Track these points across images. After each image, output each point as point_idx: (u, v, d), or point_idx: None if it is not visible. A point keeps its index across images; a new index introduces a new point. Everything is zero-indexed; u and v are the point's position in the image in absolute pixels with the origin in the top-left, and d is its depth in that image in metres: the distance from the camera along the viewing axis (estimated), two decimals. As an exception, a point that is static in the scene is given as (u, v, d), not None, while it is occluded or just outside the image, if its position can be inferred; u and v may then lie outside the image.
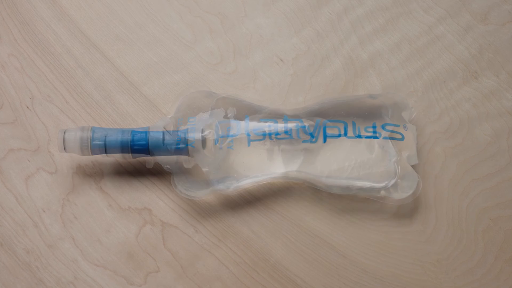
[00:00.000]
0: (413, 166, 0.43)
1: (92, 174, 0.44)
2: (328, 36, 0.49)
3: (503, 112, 0.47)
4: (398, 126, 0.44)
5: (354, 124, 0.44)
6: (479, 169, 0.45)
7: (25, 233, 0.42)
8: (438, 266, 0.42)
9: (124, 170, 0.44)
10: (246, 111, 0.44)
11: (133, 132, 0.42)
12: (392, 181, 0.42)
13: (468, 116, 0.46)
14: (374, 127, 0.44)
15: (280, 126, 0.43)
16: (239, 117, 0.44)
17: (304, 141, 0.43)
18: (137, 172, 0.44)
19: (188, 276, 0.42)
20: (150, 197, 0.44)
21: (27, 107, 0.46)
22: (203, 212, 0.43)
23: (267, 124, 0.43)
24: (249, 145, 0.43)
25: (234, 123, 0.43)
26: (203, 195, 0.43)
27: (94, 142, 0.41)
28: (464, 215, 0.43)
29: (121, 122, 0.46)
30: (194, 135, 0.42)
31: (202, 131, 0.42)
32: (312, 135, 0.43)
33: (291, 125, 0.43)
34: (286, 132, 0.43)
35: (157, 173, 0.44)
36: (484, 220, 0.43)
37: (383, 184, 0.42)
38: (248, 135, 0.43)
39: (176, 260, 0.42)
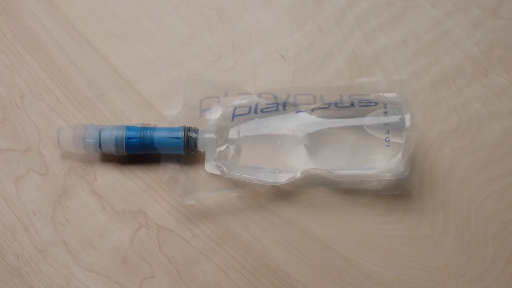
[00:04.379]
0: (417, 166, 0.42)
1: (84, 175, 0.44)
2: (331, 32, 0.49)
3: (514, 111, 0.47)
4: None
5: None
6: (489, 171, 0.44)
7: (14, 237, 0.42)
8: (446, 272, 0.41)
9: (118, 171, 0.44)
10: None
11: (128, 128, 0.42)
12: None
13: (477, 115, 0.46)
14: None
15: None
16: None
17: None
18: (131, 174, 0.44)
19: (185, 282, 0.41)
20: (145, 199, 0.43)
21: (17, 106, 0.46)
22: (201, 215, 0.43)
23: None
24: (233, 119, 0.42)
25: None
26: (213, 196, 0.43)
27: (87, 133, 0.42)
28: (473, 218, 0.43)
29: (115, 121, 0.46)
30: (206, 136, 0.42)
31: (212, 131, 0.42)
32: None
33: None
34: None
35: (153, 175, 0.44)
36: (494, 224, 0.43)
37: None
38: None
39: (173, 265, 0.41)
